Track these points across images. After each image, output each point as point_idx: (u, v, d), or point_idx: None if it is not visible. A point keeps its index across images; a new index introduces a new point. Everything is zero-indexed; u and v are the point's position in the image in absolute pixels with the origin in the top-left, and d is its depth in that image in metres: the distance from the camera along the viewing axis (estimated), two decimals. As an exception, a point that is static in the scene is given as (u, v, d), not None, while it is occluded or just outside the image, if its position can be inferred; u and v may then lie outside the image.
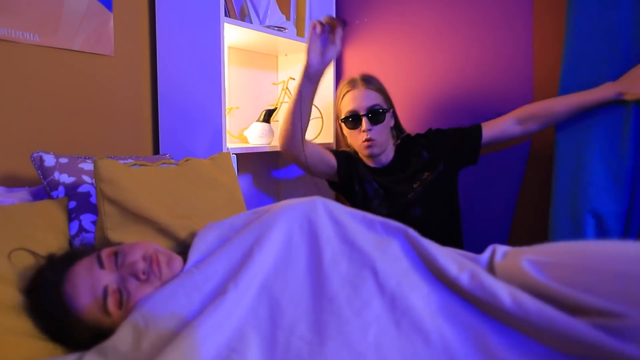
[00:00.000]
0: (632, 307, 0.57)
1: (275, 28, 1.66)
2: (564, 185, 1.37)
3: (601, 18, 1.30)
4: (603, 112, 1.32)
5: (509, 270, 0.72)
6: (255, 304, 0.73)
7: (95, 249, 0.87)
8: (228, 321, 0.69)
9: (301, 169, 1.58)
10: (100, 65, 1.48)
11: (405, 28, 1.80)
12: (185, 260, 0.84)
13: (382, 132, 1.50)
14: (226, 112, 1.50)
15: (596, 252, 0.67)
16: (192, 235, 0.98)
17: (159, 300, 0.73)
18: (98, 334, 0.74)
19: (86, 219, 1.08)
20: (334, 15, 1.90)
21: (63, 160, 1.17)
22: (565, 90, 1.37)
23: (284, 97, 1.98)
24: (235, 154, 1.49)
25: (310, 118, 1.44)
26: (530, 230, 1.62)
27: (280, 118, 2.03)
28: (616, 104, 1.29)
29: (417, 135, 1.61)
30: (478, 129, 1.50)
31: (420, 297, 0.71)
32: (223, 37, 1.43)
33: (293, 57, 2.04)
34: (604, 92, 1.29)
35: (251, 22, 1.65)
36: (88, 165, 1.19)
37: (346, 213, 0.86)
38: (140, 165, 1.11)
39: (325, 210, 0.85)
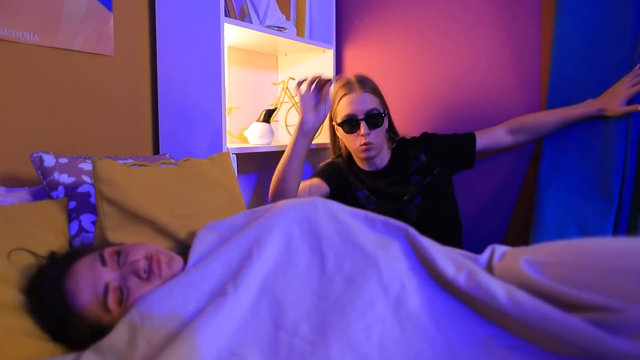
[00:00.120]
0: (626, 301, 0.56)
1: (275, 28, 1.66)
2: (549, 196, 1.46)
3: (586, 28, 1.39)
4: (585, 126, 1.42)
5: (507, 270, 0.72)
6: (256, 305, 0.73)
7: (96, 249, 0.87)
8: (228, 322, 0.69)
9: None
10: (100, 65, 1.48)
11: (406, 28, 1.80)
12: (185, 261, 0.84)
13: (379, 136, 1.51)
14: (226, 112, 1.50)
15: (593, 249, 0.67)
16: (192, 235, 0.98)
17: (155, 298, 0.73)
18: (97, 333, 0.75)
19: (86, 219, 1.08)
20: (334, 13, 1.91)
21: (63, 160, 1.17)
22: (552, 97, 1.46)
23: (283, 97, 1.98)
24: (235, 154, 1.49)
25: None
26: (530, 230, 1.61)
27: (280, 119, 2.04)
28: (598, 119, 1.40)
29: (413, 138, 1.61)
30: (472, 137, 1.54)
31: (424, 298, 0.71)
32: (223, 37, 1.43)
33: (293, 57, 2.04)
34: (587, 108, 1.39)
35: (251, 22, 1.65)
36: (88, 166, 1.19)
37: (347, 212, 0.86)
38: (139, 166, 1.11)
39: (326, 210, 0.85)
